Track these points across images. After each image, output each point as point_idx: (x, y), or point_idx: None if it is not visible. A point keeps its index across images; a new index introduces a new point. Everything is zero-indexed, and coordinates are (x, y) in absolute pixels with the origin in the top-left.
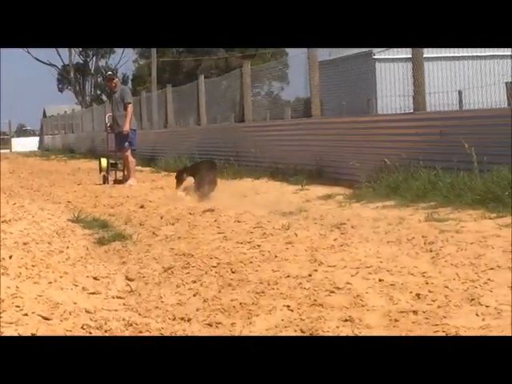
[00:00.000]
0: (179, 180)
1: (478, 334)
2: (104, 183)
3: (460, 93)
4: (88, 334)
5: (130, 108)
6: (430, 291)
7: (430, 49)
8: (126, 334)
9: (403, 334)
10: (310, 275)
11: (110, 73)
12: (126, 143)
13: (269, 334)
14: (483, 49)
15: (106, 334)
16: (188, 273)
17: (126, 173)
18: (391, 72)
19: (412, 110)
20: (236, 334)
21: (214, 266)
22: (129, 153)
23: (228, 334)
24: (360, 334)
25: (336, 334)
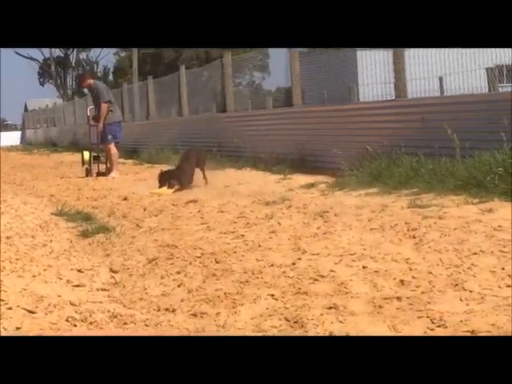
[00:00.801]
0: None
1: (462, 319)
2: (87, 176)
3: (441, 79)
4: (73, 327)
5: (104, 107)
6: (413, 277)
7: None
8: (111, 325)
9: (387, 321)
10: (293, 264)
11: (83, 71)
12: (109, 136)
13: (254, 323)
14: None
15: (91, 327)
16: (172, 264)
17: (108, 165)
18: (372, 59)
19: (393, 97)
20: (221, 324)
21: (198, 257)
22: (112, 145)
23: (213, 323)
24: (344, 322)
25: (320, 322)
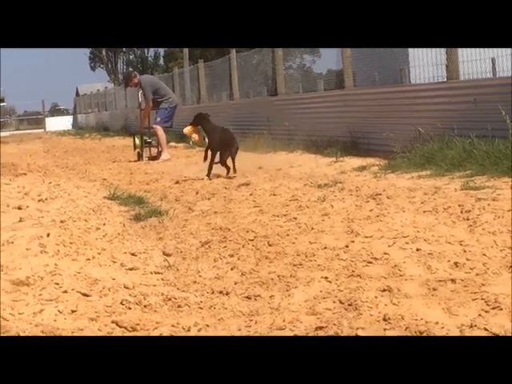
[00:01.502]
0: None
1: None
2: (138, 160)
3: (493, 60)
4: (127, 310)
5: (147, 106)
6: (467, 259)
7: None
8: (165, 308)
9: (442, 303)
10: (346, 246)
11: (130, 70)
12: (158, 119)
13: (307, 306)
14: None
15: (146, 310)
16: (225, 247)
17: (159, 149)
18: None
19: (445, 79)
20: (275, 307)
21: (251, 240)
22: (159, 127)
23: (267, 306)
24: (398, 304)
25: (375, 305)
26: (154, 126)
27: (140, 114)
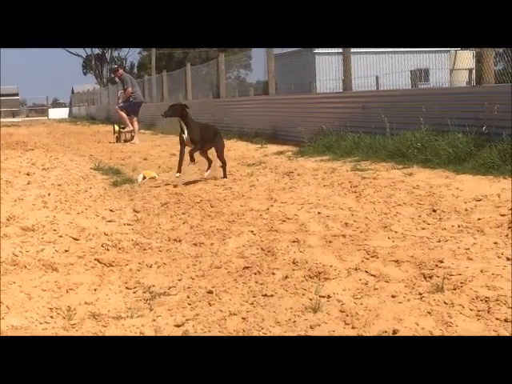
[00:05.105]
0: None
1: (389, 252)
2: (117, 142)
3: (377, 78)
4: (106, 251)
5: (127, 92)
6: (354, 221)
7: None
8: (134, 250)
9: (335, 252)
10: (267, 209)
11: (115, 66)
12: (121, 104)
13: (238, 252)
14: None
15: (120, 251)
16: (179, 207)
17: (133, 134)
18: (327, 62)
19: (342, 90)
20: (214, 251)
21: (198, 202)
22: (135, 118)
23: (208, 251)
24: (304, 252)
25: (287, 252)
26: (116, 107)
27: (117, 107)
